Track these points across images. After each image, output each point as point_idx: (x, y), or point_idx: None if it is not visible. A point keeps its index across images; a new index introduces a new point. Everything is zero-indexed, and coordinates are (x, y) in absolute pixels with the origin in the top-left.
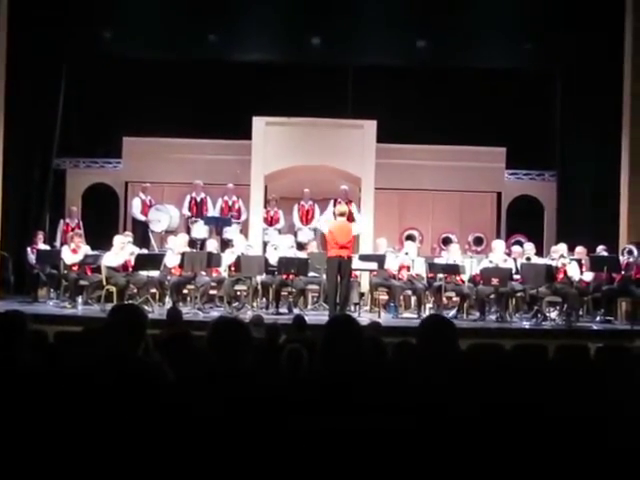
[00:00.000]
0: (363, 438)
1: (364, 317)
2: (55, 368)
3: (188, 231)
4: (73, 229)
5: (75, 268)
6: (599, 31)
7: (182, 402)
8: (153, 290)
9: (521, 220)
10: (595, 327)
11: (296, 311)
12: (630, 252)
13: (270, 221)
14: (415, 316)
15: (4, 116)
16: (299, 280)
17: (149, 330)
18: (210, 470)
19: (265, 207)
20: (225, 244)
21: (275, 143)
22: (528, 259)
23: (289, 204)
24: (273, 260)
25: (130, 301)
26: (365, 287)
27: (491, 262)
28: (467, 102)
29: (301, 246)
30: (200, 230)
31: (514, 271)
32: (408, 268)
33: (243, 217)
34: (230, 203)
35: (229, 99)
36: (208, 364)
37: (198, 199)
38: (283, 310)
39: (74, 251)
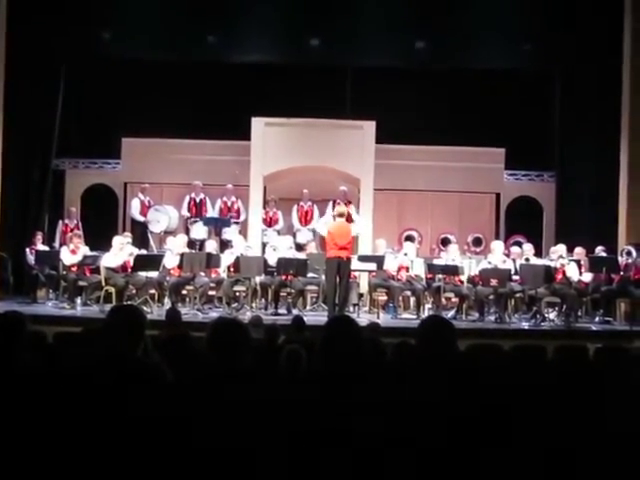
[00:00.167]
0: (363, 438)
1: (363, 318)
2: (54, 369)
3: (187, 232)
4: (72, 230)
5: (74, 269)
6: (598, 32)
7: (181, 403)
8: (152, 291)
9: (520, 221)
10: (594, 328)
11: (295, 312)
12: (629, 253)
13: (269, 222)
14: (414, 317)
15: (3, 117)
16: (298, 281)
17: (148, 331)
18: (210, 470)
19: (264, 208)
20: (224, 245)
21: (274, 144)
22: (527, 260)
23: (288, 205)
24: (272, 261)
25: (129, 302)
26: (364, 288)
27: (490, 263)
28: (466, 103)
29: (300, 247)
30: (199, 231)
31: (513, 272)
32: (407, 269)
33: (242, 218)
34: (229, 204)
35: (228, 100)
36: (207, 365)
37: (197, 200)
38: (282, 311)
39: (73, 252)
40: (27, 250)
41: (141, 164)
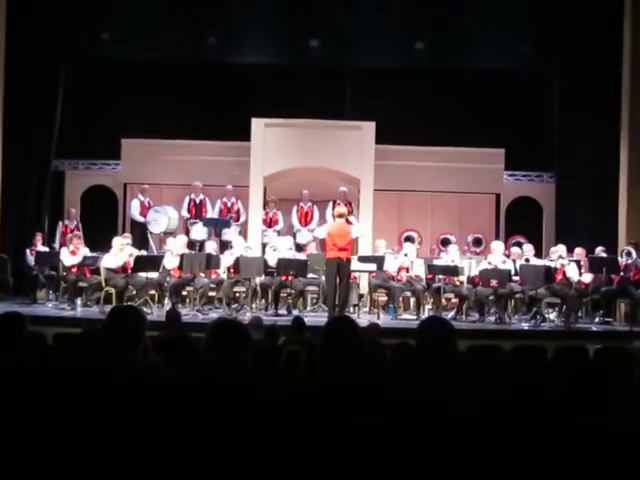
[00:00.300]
0: (362, 438)
1: (363, 318)
2: (54, 370)
3: (187, 232)
4: (72, 231)
5: (74, 270)
6: (598, 33)
7: (181, 403)
8: (152, 292)
9: (520, 221)
10: (594, 328)
11: (295, 312)
12: (629, 253)
13: (269, 222)
14: (414, 317)
15: (3, 117)
16: (298, 281)
17: (148, 331)
18: (210, 471)
19: (264, 208)
20: (224, 245)
21: (274, 145)
22: (527, 260)
23: (288, 205)
24: (272, 261)
25: (129, 303)
26: (364, 288)
27: (490, 263)
28: (466, 103)
29: (300, 247)
30: (199, 231)
31: (513, 272)
32: (407, 269)
33: (242, 219)
34: (229, 204)
35: (228, 101)
36: (207, 366)
37: (197, 200)
38: (282, 311)
39: (73, 253)
40: (27, 251)
41: (141, 165)
